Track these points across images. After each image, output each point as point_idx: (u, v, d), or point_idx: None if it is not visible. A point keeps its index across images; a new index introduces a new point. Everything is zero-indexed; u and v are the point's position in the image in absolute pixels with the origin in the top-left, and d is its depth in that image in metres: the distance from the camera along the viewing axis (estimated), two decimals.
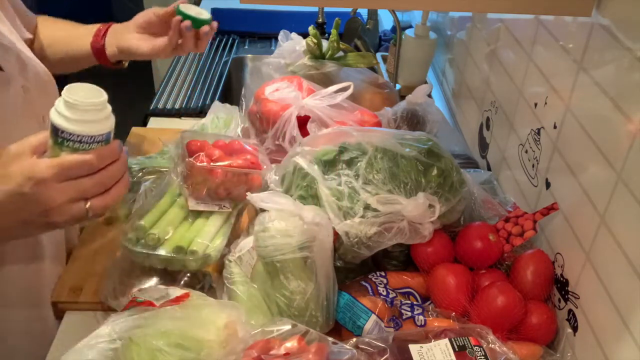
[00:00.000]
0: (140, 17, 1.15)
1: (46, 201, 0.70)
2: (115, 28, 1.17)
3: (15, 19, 1.04)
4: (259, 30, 2.12)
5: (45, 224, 0.73)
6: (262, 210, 0.93)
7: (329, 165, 0.98)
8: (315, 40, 1.40)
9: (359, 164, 0.97)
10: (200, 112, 1.61)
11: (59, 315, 1.01)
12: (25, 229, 0.75)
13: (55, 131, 0.71)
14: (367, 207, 0.93)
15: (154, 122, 1.60)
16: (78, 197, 0.72)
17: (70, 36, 1.17)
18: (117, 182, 0.75)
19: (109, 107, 0.73)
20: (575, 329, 0.90)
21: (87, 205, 0.73)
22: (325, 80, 1.36)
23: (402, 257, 1.03)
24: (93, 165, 0.71)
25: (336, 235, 0.93)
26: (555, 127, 0.99)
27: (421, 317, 0.91)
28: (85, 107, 0.70)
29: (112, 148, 0.73)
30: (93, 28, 1.18)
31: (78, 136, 0.71)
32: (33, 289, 0.99)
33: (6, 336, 0.98)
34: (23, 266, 0.97)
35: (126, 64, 1.24)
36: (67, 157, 0.70)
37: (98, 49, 1.16)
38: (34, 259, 0.98)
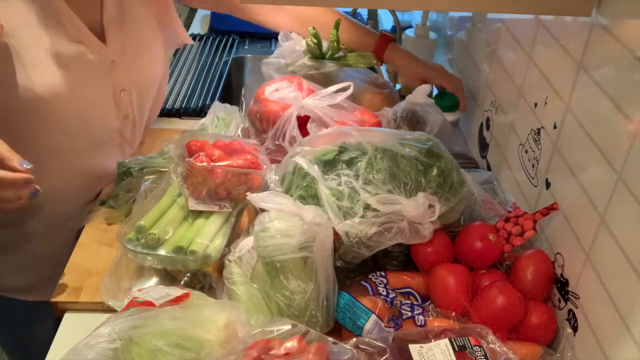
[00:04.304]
0: (434, 71, 1.45)
1: None
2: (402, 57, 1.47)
3: (178, 26, 1.35)
4: (259, 30, 2.10)
5: None
6: (262, 210, 0.93)
7: (329, 165, 0.98)
8: (315, 40, 1.40)
9: (359, 164, 0.97)
10: (200, 112, 1.61)
11: (59, 315, 1.01)
12: None
13: None
14: (367, 207, 0.93)
15: (154, 122, 1.59)
16: None
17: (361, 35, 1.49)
18: None
19: None
20: (575, 329, 0.90)
21: None
22: (325, 80, 1.36)
23: (402, 257, 1.03)
24: None
25: (336, 235, 0.93)
26: (555, 127, 0.99)
27: (421, 317, 0.91)
28: None
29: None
30: (374, 38, 1.47)
31: None
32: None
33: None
34: None
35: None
36: None
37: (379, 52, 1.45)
38: None
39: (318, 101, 1.20)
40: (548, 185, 1.02)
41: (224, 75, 1.82)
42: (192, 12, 2.49)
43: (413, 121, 1.30)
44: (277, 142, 1.20)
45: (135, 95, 1.24)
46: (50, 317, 1.02)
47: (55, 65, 1.06)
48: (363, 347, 0.80)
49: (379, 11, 2.01)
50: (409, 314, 0.92)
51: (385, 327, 0.89)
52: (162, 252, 0.98)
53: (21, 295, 1.31)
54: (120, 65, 1.17)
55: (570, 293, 0.92)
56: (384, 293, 0.93)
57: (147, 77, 1.28)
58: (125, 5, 1.17)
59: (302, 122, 1.20)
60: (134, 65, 1.21)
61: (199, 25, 2.23)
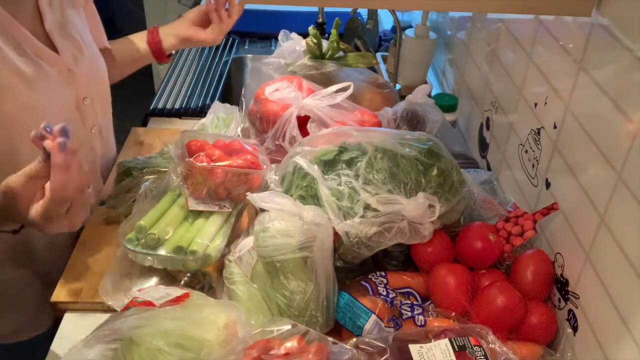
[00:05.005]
0: (193, 12, 1.39)
1: None
2: (168, 26, 1.40)
3: (100, 28, 1.33)
4: (259, 30, 2.12)
5: None
6: (262, 210, 0.93)
7: (329, 165, 0.98)
8: (315, 40, 1.40)
9: (359, 164, 0.97)
10: (200, 112, 1.61)
11: (59, 315, 1.01)
12: None
13: None
14: (367, 207, 0.93)
15: (154, 122, 1.60)
16: None
17: (129, 42, 1.40)
18: None
19: None
20: (575, 329, 0.90)
21: None
22: (325, 80, 1.36)
23: (402, 257, 1.03)
24: None
25: (336, 235, 0.93)
26: (555, 127, 0.99)
27: (421, 317, 0.91)
28: None
29: None
30: (143, 32, 1.41)
31: None
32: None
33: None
34: None
35: (172, 59, 1.49)
36: None
37: (155, 43, 1.38)
38: None
39: (318, 101, 1.20)
40: (548, 185, 1.02)
41: (224, 75, 1.83)
42: None
43: (413, 121, 1.30)
44: (277, 142, 1.20)
45: (97, 101, 1.21)
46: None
47: (22, 85, 1.03)
48: (363, 347, 0.80)
49: (379, 11, 2.01)
50: (409, 314, 0.92)
51: (385, 327, 0.89)
52: (162, 252, 0.98)
53: (16, 337, 1.24)
54: (77, 73, 1.14)
55: (570, 293, 0.92)
56: (384, 293, 0.93)
57: (102, 80, 1.26)
58: (58, 10, 1.14)
59: (302, 122, 1.20)
60: (89, 70, 1.19)
61: None
